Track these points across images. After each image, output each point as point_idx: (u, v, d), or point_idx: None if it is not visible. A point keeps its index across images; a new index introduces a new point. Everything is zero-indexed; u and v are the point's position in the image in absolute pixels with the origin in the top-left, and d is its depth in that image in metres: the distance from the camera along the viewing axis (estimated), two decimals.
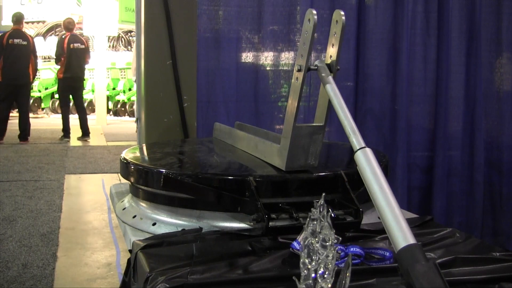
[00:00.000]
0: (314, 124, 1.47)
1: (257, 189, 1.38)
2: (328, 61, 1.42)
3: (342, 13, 1.38)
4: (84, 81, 8.90)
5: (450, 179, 2.94)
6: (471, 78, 2.92)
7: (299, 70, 1.41)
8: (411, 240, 0.98)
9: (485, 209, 2.99)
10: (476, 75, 2.90)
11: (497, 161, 3.02)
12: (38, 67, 10.52)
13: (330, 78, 1.35)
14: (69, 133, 8.53)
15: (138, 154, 1.94)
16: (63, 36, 8.58)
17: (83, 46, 8.45)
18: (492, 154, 3.01)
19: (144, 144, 2.32)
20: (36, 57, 8.37)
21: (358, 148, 1.17)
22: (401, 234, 0.99)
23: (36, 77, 9.83)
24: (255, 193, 1.37)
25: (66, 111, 8.57)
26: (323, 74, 1.37)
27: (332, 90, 1.31)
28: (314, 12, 1.35)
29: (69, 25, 8.51)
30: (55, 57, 8.53)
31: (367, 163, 1.13)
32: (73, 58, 8.23)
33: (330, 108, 1.41)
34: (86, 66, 8.94)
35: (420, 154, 2.94)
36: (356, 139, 1.19)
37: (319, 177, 1.49)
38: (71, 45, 8.24)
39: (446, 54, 2.85)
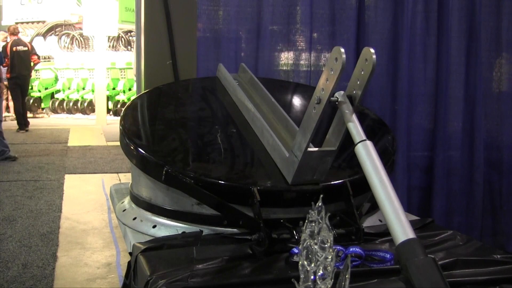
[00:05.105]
0: (326, 149, 1.41)
1: (260, 203, 1.35)
2: (351, 92, 1.33)
3: (373, 51, 1.28)
4: (29, 80, 9.92)
5: (450, 179, 2.94)
6: (471, 78, 2.91)
7: (318, 103, 1.33)
8: (411, 234, 0.98)
9: (485, 209, 2.99)
10: (476, 75, 2.90)
11: (497, 161, 3.01)
12: (38, 67, 10.91)
13: (354, 116, 1.28)
14: (24, 125, 9.38)
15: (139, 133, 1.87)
16: (7, 41, 9.54)
17: (25, 48, 9.37)
18: (492, 154, 3.01)
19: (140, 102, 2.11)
20: None
21: (358, 140, 1.16)
22: (401, 229, 0.99)
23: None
24: (258, 208, 1.34)
25: (18, 105, 9.46)
26: (346, 111, 1.30)
27: (354, 128, 1.26)
28: (342, 50, 1.27)
29: (14, 31, 9.47)
30: None
31: (368, 156, 1.13)
32: (16, 60, 9.15)
33: (345, 133, 1.36)
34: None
35: (420, 154, 2.93)
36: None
37: (325, 188, 1.46)
38: (14, 48, 9.19)
39: (446, 54, 2.84)
